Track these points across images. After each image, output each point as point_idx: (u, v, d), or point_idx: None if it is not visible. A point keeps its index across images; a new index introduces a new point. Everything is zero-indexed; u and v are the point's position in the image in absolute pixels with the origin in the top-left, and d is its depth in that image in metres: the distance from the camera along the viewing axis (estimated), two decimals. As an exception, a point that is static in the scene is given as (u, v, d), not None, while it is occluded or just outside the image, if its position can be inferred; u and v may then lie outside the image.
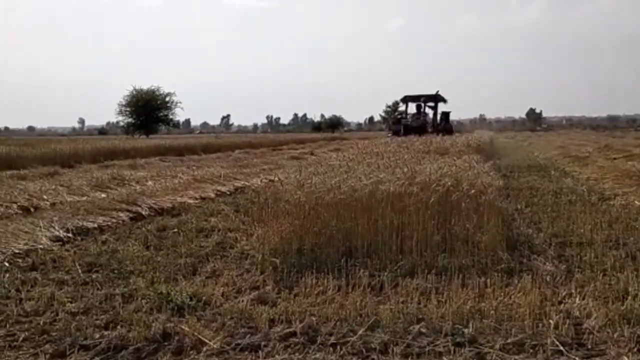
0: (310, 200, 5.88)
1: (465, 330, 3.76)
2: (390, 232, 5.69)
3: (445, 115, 24.44)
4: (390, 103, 76.38)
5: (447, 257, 5.43)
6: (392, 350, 3.55)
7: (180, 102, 53.17)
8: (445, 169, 6.58)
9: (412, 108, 25.23)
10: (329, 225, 5.78)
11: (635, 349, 3.51)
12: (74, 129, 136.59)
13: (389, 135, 24.14)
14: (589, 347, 3.58)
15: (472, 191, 5.62)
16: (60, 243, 6.76)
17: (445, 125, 23.14)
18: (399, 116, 27.30)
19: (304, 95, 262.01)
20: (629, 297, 4.31)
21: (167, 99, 51.91)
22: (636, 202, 8.90)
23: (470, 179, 6.05)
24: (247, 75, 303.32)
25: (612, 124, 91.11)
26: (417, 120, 23.61)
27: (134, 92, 50.63)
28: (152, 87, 51.60)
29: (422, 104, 24.28)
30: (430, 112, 24.33)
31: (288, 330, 3.89)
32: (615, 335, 3.66)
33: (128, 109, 50.95)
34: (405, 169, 6.74)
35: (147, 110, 49.87)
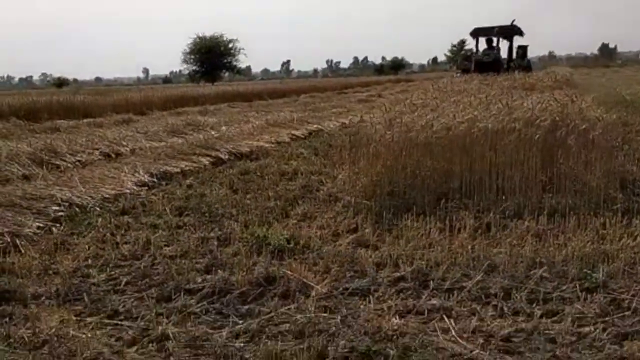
0: (401, 140, 5.58)
1: (595, 275, 3.44)
2: (490, 171, 5.35)
3: (523, 49, 21.88)
4: (455, 42, 73.49)
5: (553, 197, 5.07)
6: (515, 296, 3.29)
7: (243, 49, 53.04)
8: (545, 103, 6.11)
9: (482, 44, 23.16)
10: (422, 166, 5.49)
11: None
12: (138, 78, 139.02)
13: (457, 74, 22.48)
14: None
15: (583, 126, 5.17)
16: (146, 187, 6.76)
17: (523, 62, 21.00)
18: (469, 52, 24.65)
19: (364, 38, 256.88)
20: None
21: (231, 45, 51.80)
22: None
23: (577, 113, 5.59)
24: (307, 19, 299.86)
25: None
26: (488, 55, 21.41)
27: (198, 40, 50.74)
28: (215, 34, 51.64)
29: (494, 37, 22.05)
30: (502, 46, 22.46)
31: (397, 274, 3.68)
32: None
33: (192, 56, 51.18)
34: (500, 105, 6.30)
35: (211, 57, 49.96)
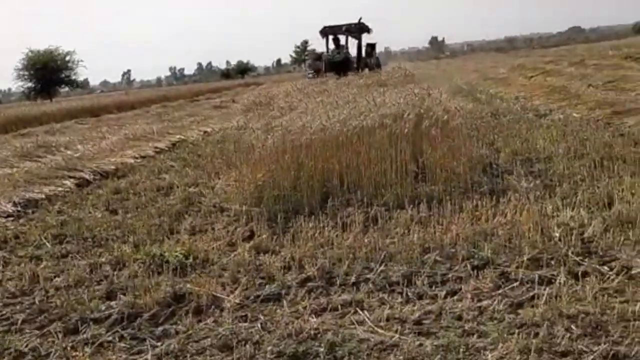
0: (280, 143, 5.73)
1: (481, 253, 3.81)
2: (366, 167, 5.65)
3: (372, 47, 22.59)
4: (298, 43, 74.93)
5: (426, 185, 5.48)
6: (416, 282, 3.55)
7: (82, 61, 50.12)
8: (406, 98, 6.55)
9: (331, 43, 23.57)
10: (304, 168, 5.66)
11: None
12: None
13: (310, 74, 22.84)
14: (601, 254, 3.70)
15: (445, 117, 5.63)
16: (12, 218, 6.30)
17: (372, 60, 21.62)
18: (320, 52, 25.06)
19: (206, 44, 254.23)
20: (616, 202, 4.50)
21: (68, 58, 48.78)
22: (574, 114, 9.27)
23: (437, 105, 6.06)
24: (145, 27, 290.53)
25: (511, 46, 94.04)
26: (339, 54, 21.99)
27: (31, 54, 47.22)
28: (50, 47, 48.34)
29: (342, 36, 22.51)
30: (349, 45, 22.95)
31: (303, 275, 3.81)
32: (621, 239, 3.82)
33: (26, 73, 47.53)
34: (365, 102, 6.67)
35: (47, 72, 46.73)
